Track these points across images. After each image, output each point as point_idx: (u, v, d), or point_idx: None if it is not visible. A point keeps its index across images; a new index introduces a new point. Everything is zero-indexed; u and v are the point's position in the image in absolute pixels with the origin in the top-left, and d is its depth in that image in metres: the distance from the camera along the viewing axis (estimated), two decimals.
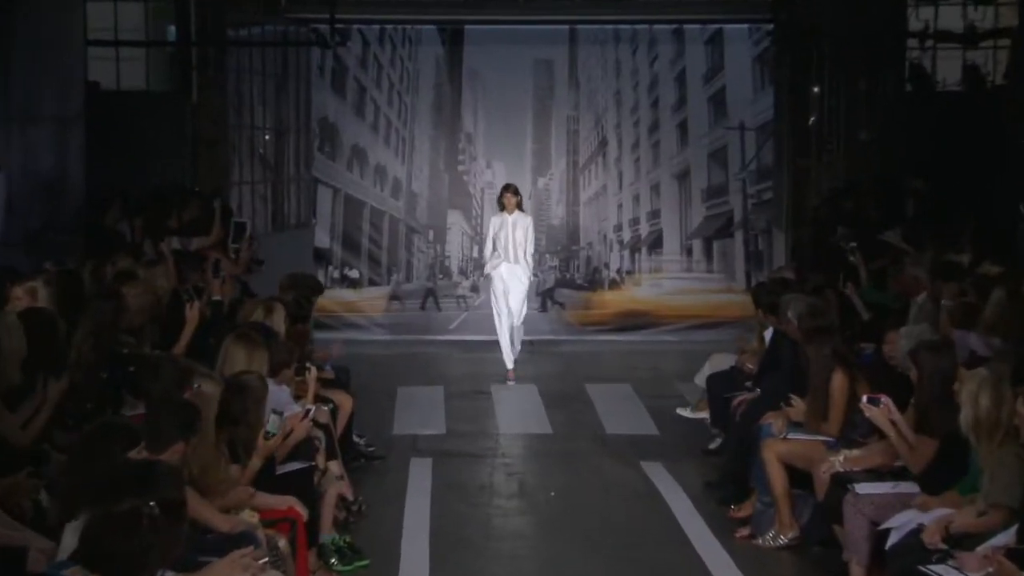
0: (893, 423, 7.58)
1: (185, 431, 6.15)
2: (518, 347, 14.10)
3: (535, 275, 14.89)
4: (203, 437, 6.65)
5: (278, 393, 8.57)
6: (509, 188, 14.06)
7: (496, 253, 13.90)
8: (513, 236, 13.80)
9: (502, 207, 13.97)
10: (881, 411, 7.56)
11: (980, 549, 6.31)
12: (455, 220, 18.12)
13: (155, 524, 4.74)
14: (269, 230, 16.86)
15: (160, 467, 5.33)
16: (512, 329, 13.98)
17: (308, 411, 8.22)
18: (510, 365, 13.99)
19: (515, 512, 9.65)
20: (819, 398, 8.77)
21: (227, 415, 7.04)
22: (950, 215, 12.88)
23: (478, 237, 18.13)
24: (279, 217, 17.41)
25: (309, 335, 10.80)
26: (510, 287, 13.90)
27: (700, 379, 11.45)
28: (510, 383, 13.71)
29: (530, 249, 13.94)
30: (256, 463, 7.32)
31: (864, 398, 7.71)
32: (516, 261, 13.84)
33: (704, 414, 11.26)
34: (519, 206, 13.94)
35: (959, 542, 6.54)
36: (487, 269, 14.06)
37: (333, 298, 16.72)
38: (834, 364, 8.65)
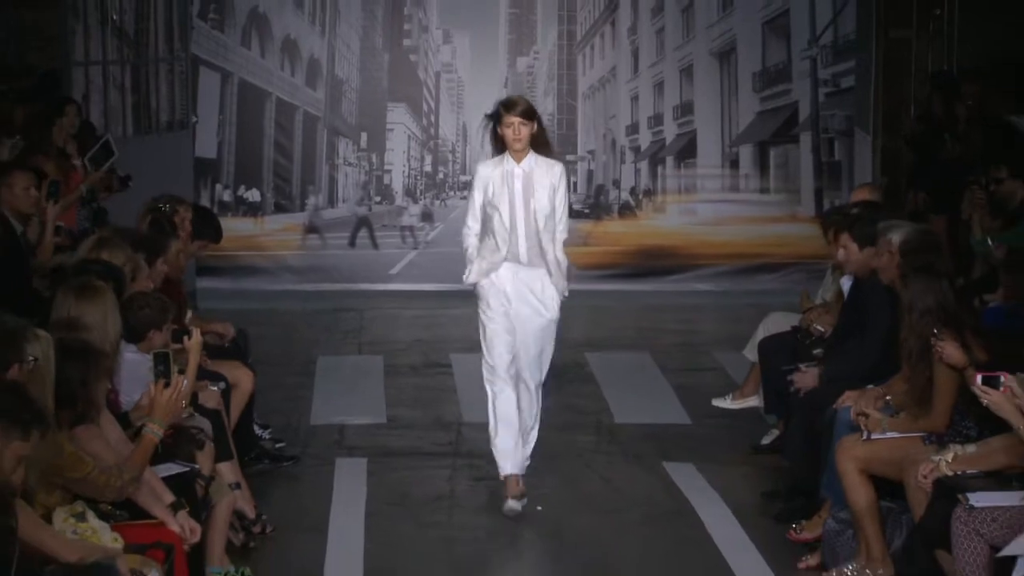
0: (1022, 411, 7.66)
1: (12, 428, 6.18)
2: (532, 437, 10.28)
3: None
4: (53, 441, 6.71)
5: (143, 365, 8.62)
6: (515, 107, 9.86)
7: (489, 241, 10.01)
8: (526, 208, 9.89)
9: (499, 145, 9.94)
10: (1003, 394, 7.64)
11: None
12: (398, 118, 18.14)
13: None
14: (129, 133, 16.81)
15: None
16: (520, 399, 10.15)
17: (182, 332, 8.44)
18: (510, 469, 10.07)
19: (486, 534, 9.74)
20: (920, 374, 8.86)
21: (61, 391, 7.09)
22: None
23: (431, 143, 18.15)
24: (144, 115, 17.36)
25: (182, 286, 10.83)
26: (520, 315, 10.04)
27: (751, 350, 11.52)
28: (511, 505, 9.91)
29: (561, 233, 10.01)
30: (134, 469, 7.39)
31: (978, 377, 7.78)
32: (530, 261, 9.98)
33: (754, 400, 11.35)
34: (538, 144, 9.95)
35: None
36: (471, 276, 10.07)
37: (225, 230, 16.71)
38: (941, 324, 8.72)
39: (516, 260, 9.93)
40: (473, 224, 10.09)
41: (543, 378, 10.22)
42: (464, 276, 10.12)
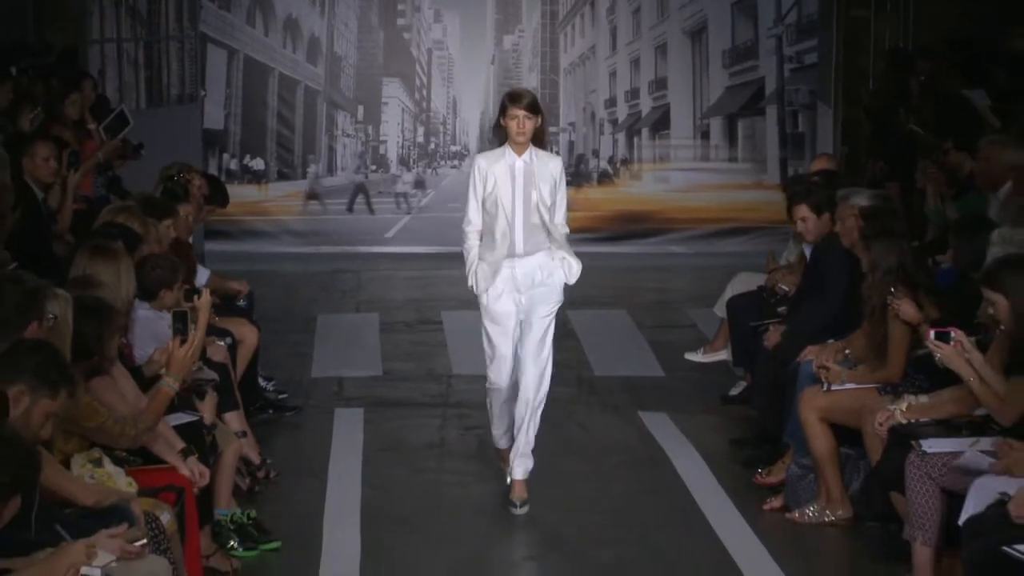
0: (971, 365, 7.67)
1: (40, 385, 6.17)
2: (533, 425, 9.22)
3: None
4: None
5: (156, 322, 8.61)
6: (521, 100, 9.07)
7: (487, 239, 9.18)
8: (526, 201, 9.10)
9: (500, 136, 9.19)
10: (954, 348, 7.64)
11: None
12: (393, 92, 18.08)
13: None
14: (142, 106, 16.76)
15: (13, 443, 5.37)
16: (524, 388, 9.20)
17: (191, 291, 8.37)
18: (503, 445, 9.50)
19: (474, 478, 9.74)
20: (878, 329, 8.86)
21: (78, 345, 7.08)
22: None
23: (423, 115, 18.11)
24: (156, 88, 17.33)
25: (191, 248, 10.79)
26: (533, 299, 9.17)
27: (720, 308, 11.52)
28: (517, 509, 9.08)
29: (560, 225, 9.24)
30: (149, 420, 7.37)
31: (931, 333, 7.79)
32: (527, 251, 9.13)
33: (723, 354, 11.35)
34: (537, 138, 9.15)
35: None
36: (477, 286, 9.20)
37: (231, 197, 16.67)
38: (899, 283, 8.73)
39: (513, 254, 9.08)
40: (475, 219, 9.17)
41: (547, 365, 9.16)
42: (468, 282, 9.24)
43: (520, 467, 9.18)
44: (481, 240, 9.20)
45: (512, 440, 9.26)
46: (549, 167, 9.14)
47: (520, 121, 8.98)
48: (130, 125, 13.08)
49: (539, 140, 9.14)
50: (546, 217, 9.07)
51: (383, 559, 8.36)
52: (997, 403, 7.53)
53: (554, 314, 9.18)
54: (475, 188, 9.15)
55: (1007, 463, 7.18)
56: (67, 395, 6.26)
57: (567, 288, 9.17)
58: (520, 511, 9.06)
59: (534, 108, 9.04)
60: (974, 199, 10.98)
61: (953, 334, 7.60)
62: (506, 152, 9.07)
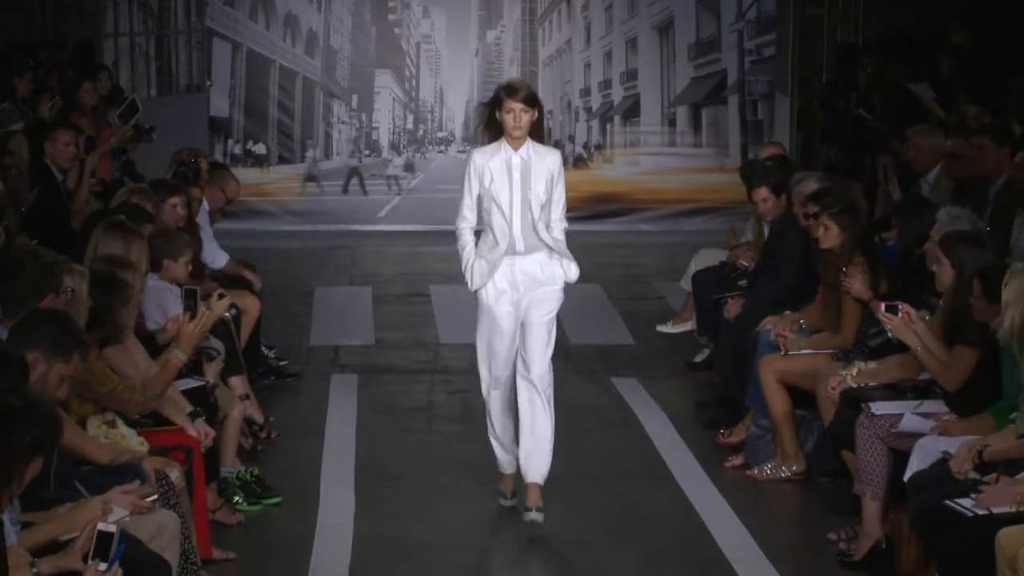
0: (917, 335, 7.69)
1: (54, 352, 6.14)
2: (546, 436, 8.20)
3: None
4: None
5: (162, 292, 8.59)
6: (517, 92, 8.07)
7: (487, 236, 8.20)
8: (523, 198, 8.09)
9: (493, 131, 8.17)
10: (902, 320, 7.67)
11: (1022, 476, 6.46)
12: (384, 83, 18.03)
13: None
14: (153, 95, 16.72)
15: (37, 406, 5.36)
16: (524, 393, 8.23)
17: (221, 294, 8.08)
18: (510, 469, 8.43)
19: (459, 438, 9.75)
20: (832, 300, 8.88)
21: (91, 314, 7.06)
22: (994, 73, 12.89)
23: (412, 104, 18.08)
24: (165, 78, 17.29)
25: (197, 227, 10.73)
26: (533, 301, 8.18)
27: (686, 281, 11.53)
28: (532, 514, 8.03)
29: (558, 221, 8.22)
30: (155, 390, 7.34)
31: (881, 306, 7.83)
32: (527, 249, 8.14)
33: (689, 325, 11.36)
34: (535, 132, 8.15)
35: (994, 471, 6.67)
36: (473, 281, 8.17)
37: None
38: (851, 257, 8.74)
39: (513, 252, 8.08)
40: (470, 216, 8.18)
41: (547, 368, 8.17)
42: (466, 280, 8.17)
43: (534, 468, 8.12)
44: (479, 238, 8.21)
45: (518, 463, 8.20)
46: (547, 162, 8.07)
47: (516, 114, 7.95)
48: (139, 112, 13.07)
49: (537, 134, 8.12)
50: (536, 214, 8.02)
51: (375, 512, 8.37)
52: (942, 370, 7.55)
53: (555, 313, 8.19)
54: (470, 184, 8.11)
55: (944, 426, 7.25)
56: (80, 359, 6.25)
57: None
58: (535, 516, 7.97)
59: (531, 100, 7.99)
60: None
61: (901, 307, 7.64)
62: (502, 147, 8.05)
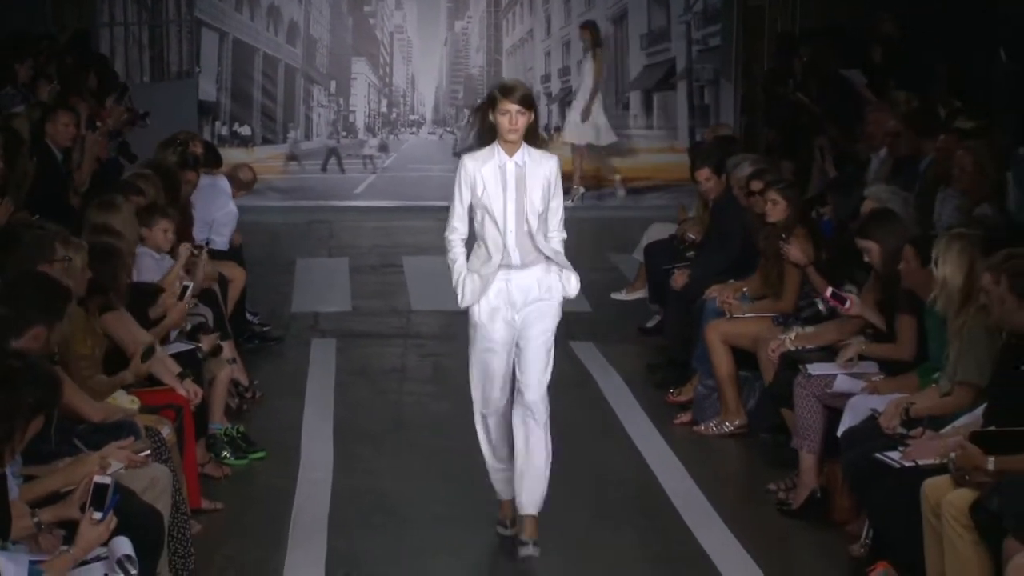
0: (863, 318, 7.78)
1: (48, 314, 6.06)
2: (540, 463, 7.14)
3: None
4: (72, 316, 6.60)
5: (143, 259, 8.55)
6: (513, 93, 6.98)
7: (479, 249, 7.12)
8: (518, 207, 7.02)
9: (486, 135, 7.07)
10: (847, 311, 7.76)
11: (945, 431, 6.49)
12: (360, 69, 17.96)
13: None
14: (146, 80, 16.63)
15: (36, 368, 5.32)
16: (518, 417, 7.16)
17: (185, 288, 8.14)
18: (507, 495, 7.37)
19: (430, 398, 9.74)
20: (772, 269, 8.90)
21: (95, 282, 7.02)
22: (922, 61, 12.90)
23: (386, 89, 18.01)
24: (158, 65, 17.19)
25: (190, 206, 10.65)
26: (529, 318, 7.10)
27: (639, 253, 11.53)
28: (529, 548, 7.00)
29: (556, 231, 7.21)
30: (126, 378, 7.22)
31: (828, 291, 7.88)
32: (523, 262, 7.07)
33: (642, 293, 11.36)
34: (530, 135, 7.07)
35: (919, 426, 6.71)
36: (464, 298, 7.07)
37: (223, 159, 16.56)
38: (793, 228, 8.76)
39: (508, 265, 7.02)
40: (460, 227, 7.08)
41: (544, 388, 7.12)
42: (457, 297, 7.07)
43: (528, 497, 7.05)
44: (470, 250, 7.14)
45: (530, 494, 7.08)
46: (543, 168, 7.02)
47: (512, 116, 6.88)
48: (129, 90, 13.05)
49: (532, 138, 7.05)
50: (534, 224, 6.97)
51: (352, 467, 8.37)
52: (893, 351, 7.55)
53: (553, 331, 7.15)
54: (460, 193, 7.03)
55: (873, 386, 7.29)
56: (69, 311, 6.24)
57: None
58: (530, 551, 6.96)
59: (528, 102, 6.94)
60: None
61: (848, 299, 7.72)
62: (496, 152, 6.97)
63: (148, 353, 7.19)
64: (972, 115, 10.38)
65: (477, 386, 7.20)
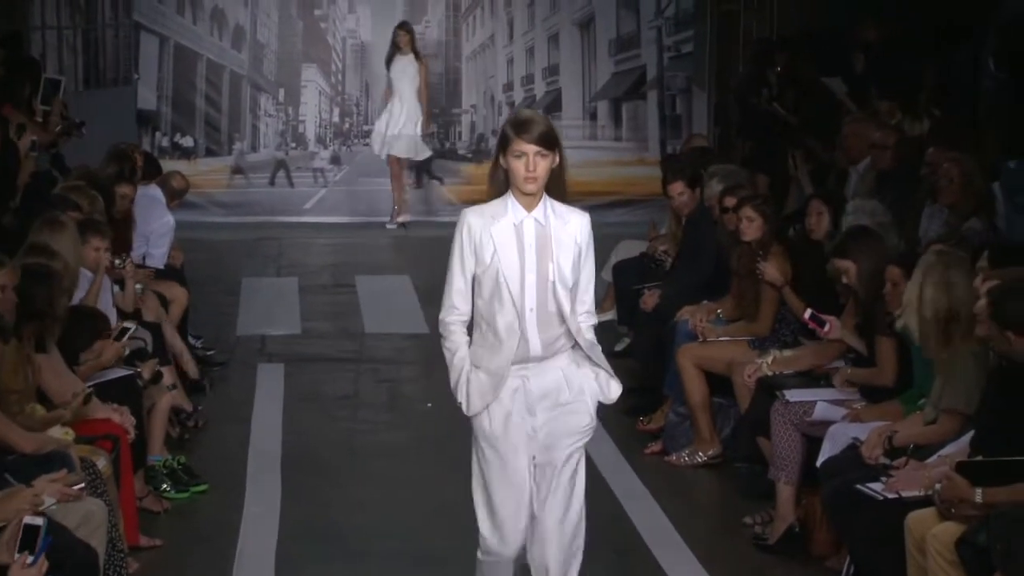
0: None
1: None
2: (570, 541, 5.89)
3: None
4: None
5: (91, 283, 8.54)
6: (530, 128, 5.70)
7: (486, 335, 5.82)
8: (540, 278, 5.75)
9: (497, 184, 5.85)
10: (827, 335, 7.81)
11: (930, 461, 6.52)
12: (311, 77, 17.96)
13: None
14: (81, 88, 16.58)
15: None
16: (539, 568, 5.91)
17: (125, 330, 8.20)
18: None
19: (384, 426, 9.73)
20: (747, 289, 8.94)
21: (30, 308, 6.98)
22: (905, 70, 12.98)
23: (338, 98, 18.01)
24: (93, 72, 17.14)
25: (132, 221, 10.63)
26: (542, 441, 5.83)
27: (607, 272, 11.53)
28: None
29: (587, 315, 5.97)
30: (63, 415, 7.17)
31: (807, 314, 7.93)
32: (545, 353, 5.81)
33: (611, 313, 11.37)
34: (554, 184, 5.83)
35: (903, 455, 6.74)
36: (471, 405, 5.80)
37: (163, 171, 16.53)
38: (770, 247, 8.80)
39: (525, 358, 5.73)
40: (461, 305, 5.79)
41: (579, 531, 5.83)
42: (458, 400, 5.80)
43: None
44: (472, 337, 5.84)
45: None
46: (571, 227, 5.78)
47: (530, 160, 5.62)
48: (63, 80, 12.96)
49: (558, 189, 5.76)
50: (564, 305, 5.73)
51: (301, 499, 8.35)
52: (874, 376, 7.60)
53: (583, 448, 5.86)
54: (462, 260, 5.74)
55: (855, 413, 7.33)
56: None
57: None
58: None
59: (550, 141, 5.65)
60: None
61: (828, 322, 7.77)
62: (509, 206, 5.71)
63: (87, 399, 7.23)
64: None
65: (485, 520, 5.85)
